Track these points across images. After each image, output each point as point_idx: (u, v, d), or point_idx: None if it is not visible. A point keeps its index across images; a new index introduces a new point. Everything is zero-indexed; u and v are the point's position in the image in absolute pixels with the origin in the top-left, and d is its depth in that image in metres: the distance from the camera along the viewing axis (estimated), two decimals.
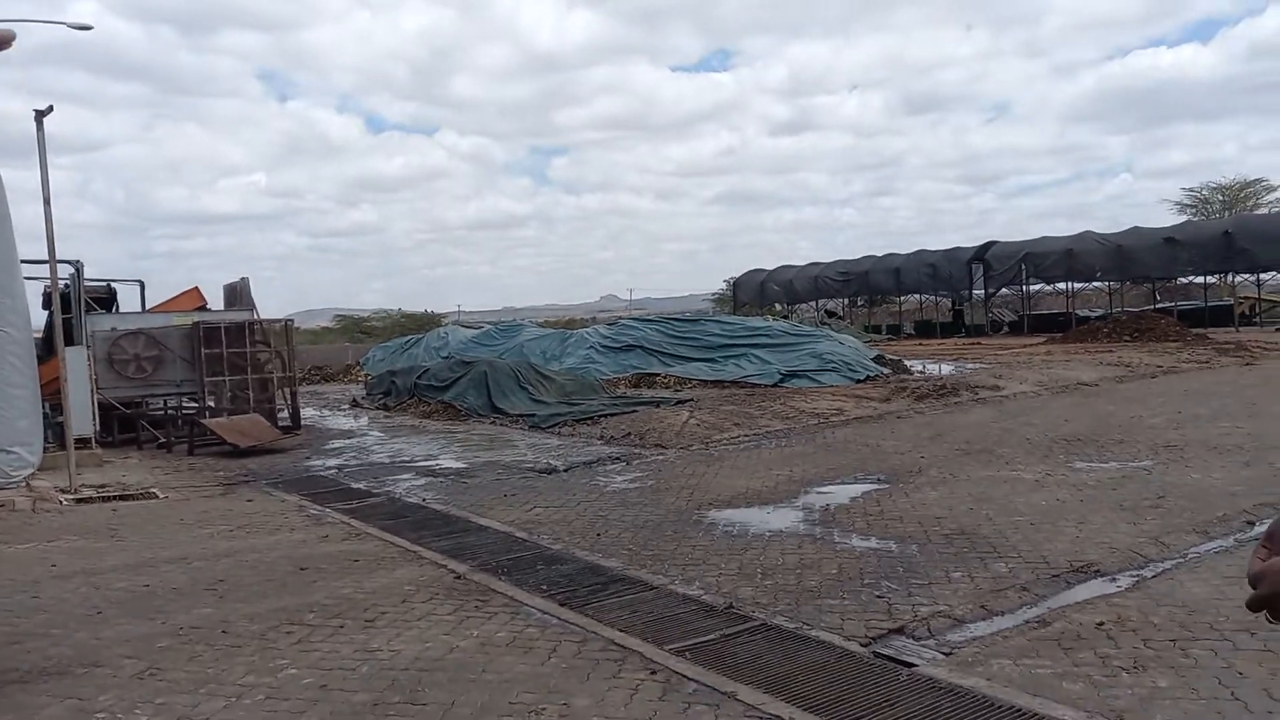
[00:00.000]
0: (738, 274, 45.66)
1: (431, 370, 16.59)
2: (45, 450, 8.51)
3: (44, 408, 8.99)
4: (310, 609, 4.56)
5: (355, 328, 48.28)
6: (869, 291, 39.93)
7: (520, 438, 11.67)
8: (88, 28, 14.42)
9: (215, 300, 15.15)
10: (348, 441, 12.15)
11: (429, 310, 50.21)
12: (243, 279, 14.63)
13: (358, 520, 6.74)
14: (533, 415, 12.96)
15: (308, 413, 14.95)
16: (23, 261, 8.64)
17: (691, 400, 13.44)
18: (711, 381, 16.07)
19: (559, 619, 4.28)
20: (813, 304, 40.50)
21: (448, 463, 9.76)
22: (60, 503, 7.42)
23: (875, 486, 7.08)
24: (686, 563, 5.15)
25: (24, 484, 7.79)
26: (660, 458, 9.13)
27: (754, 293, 42.00)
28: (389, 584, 5.00)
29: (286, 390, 13.64)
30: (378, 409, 16.48)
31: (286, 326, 14.24)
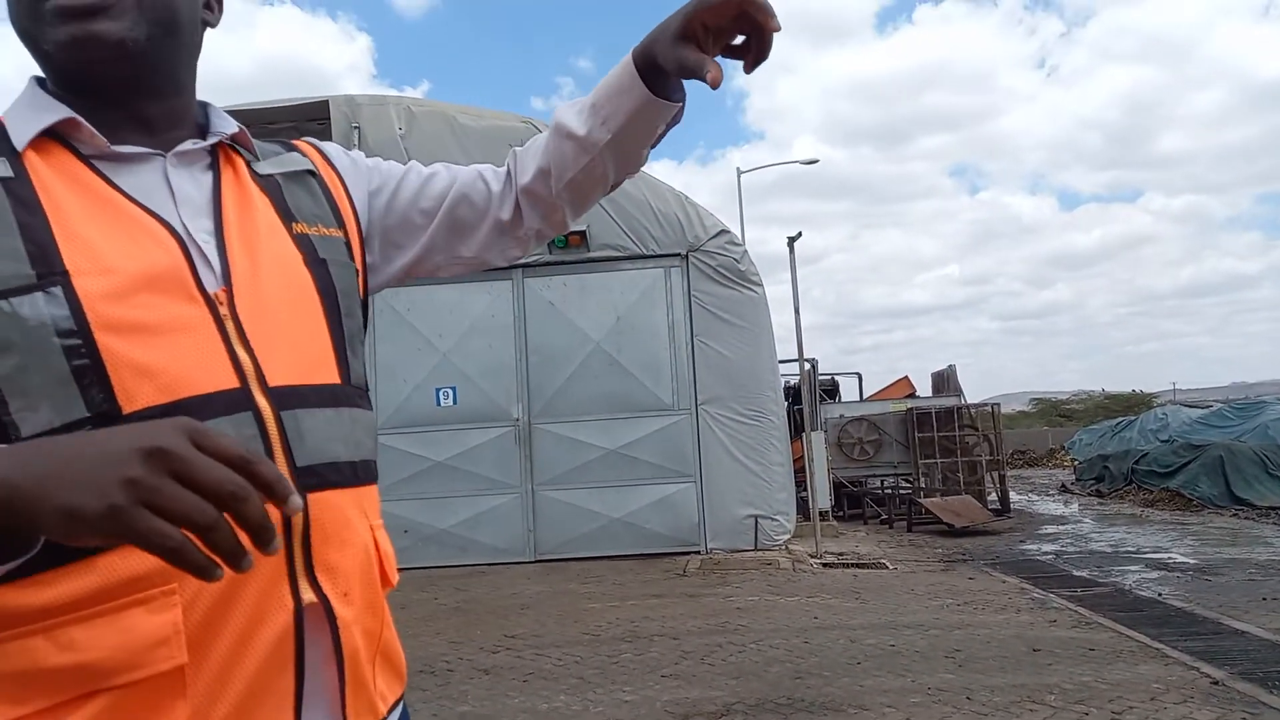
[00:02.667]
0: None
1: (1151, 455, 15.15)
2: (795, 521, 9.99)
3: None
4: (1049, 690, 4.56)
5: (1053, 410, 46.43)
6: None
7: (1273, 534, 9.95)
8: (814, 161, 16.97)
9: (921, 387, 16.18)
10: (1061, 528, 11.74)
11: (1136, 390, 45.86)
12: (950, 366, 15.38)
13: (1085, 609, 6.50)
14: None
15: (1015, 497, 14.86)
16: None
17: None
18: None
19: None
20: None
21: (1181, 557, 8.80)
22: (812, 566, 8.63)
23: None
24: None
25: (783, 547, 9.26)
26: None
27: None
28: (1132, 678, 4.73)
29: (994, 473, 13.78)
30: (1089, 495, 15.60)
31: (994, 410, 14.47)
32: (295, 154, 1.03)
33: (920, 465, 13.71)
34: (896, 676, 4.91)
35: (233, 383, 0.81)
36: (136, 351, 0.77)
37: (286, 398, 0.84)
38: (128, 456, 0.60)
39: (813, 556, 9.01)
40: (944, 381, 15.43)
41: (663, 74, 0.97)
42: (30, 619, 0.74)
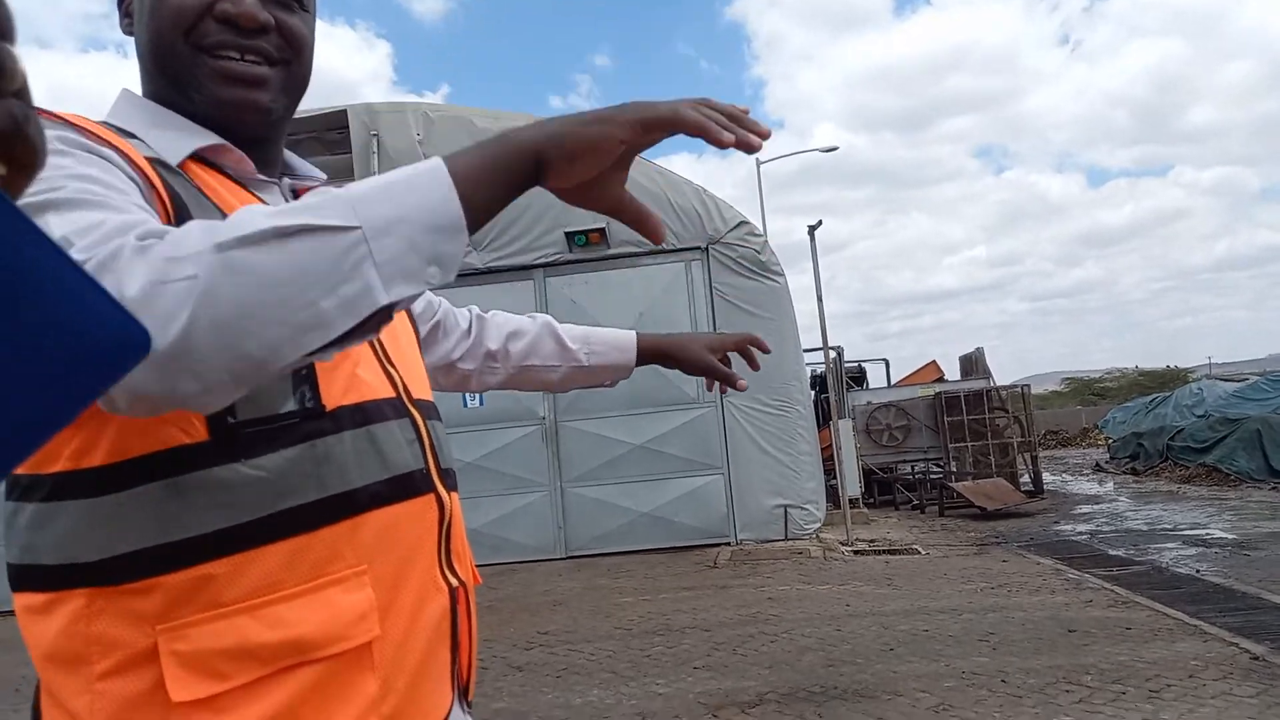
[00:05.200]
0: None
1: (1186, 430, 14.93)
2: (825, 509, 9.95)
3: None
4: (1086, 670, 4.52)
5: (1086, 389, 45.86)
6: None
7: None
8: (834, 149, 16.87)
9: (949, 371, 16.04)
10: (1096, 507, 11.61)
11: (1171, 365, 45.22)
12: (978, 349, 15.23)
13: (1122, 588, 6.43)
14: None
15: (1048, 477, 14.71)
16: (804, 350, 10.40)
17: None
18: None
19: None
20: None
21: (1219, 533, 8.67)
22: (843, 553, 8.60)
23: None
24: None
25: (814, 536, 9.24)
26: None
27: None
28: (1170, 656, 4.68)
29: (1026, 455, 13.66)
30: (1124, 473, 15.41)
31: (1023, 392, 14.33)
32: None
33: (950, 449, 13.60)
34: (930, 661, 4.89)
35: (391, 393, 0.93)
36: (334, 361, 0.85)
37: (424, 409, 0.97)
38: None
39: (844, 544, 8.98)
40: (972, 364, 15.29)
41: (660, 360, 1.39)
42: (235, 600, 0.80)
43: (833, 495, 10.54)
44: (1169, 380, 36.49)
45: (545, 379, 1.38)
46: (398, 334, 1.01)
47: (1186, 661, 4.55)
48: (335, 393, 0.86)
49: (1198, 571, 6.87)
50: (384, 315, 0.66)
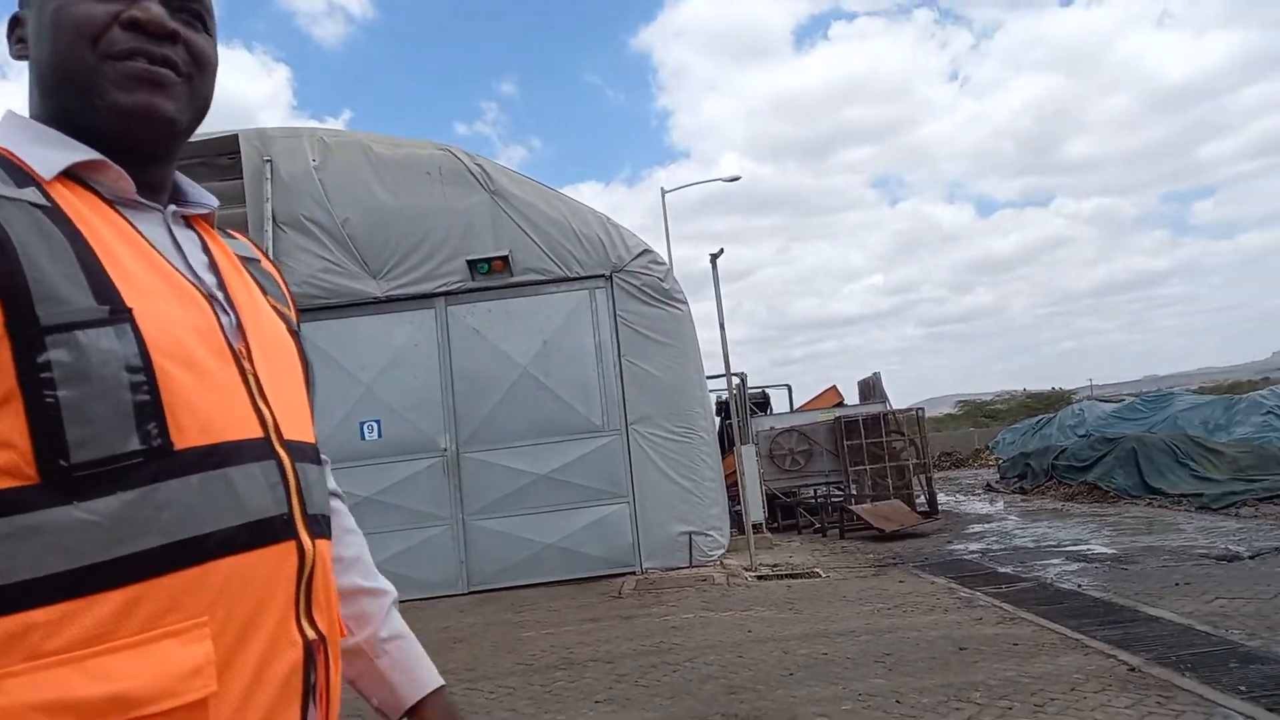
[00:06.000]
0: None
1: (1069, 450, 15.66)
2: (730, 535, 10.04)
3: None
4: (975, 688, 4.66)
5: (979, 412, 47.62)
6: None
7: (1185, 520, 10.37)
8: (736, 178, 17.22)
9: (849, 396, 16.45)
10: (987, 525, 12.04)
11: (1056, 388, 47.38)
12: (875, 374, 15.68)
13: (1009, 604, 6.67)
14: (1199, 495, 11.42)
15: (942, 498, 15.19)
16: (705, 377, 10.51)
17: None
18: None
19: None
20: None
21: (1100, 548, 9.09)
22: (746, 579, 8.68)
23: None
24: None
25: (718, 562, 9.30)
26: None
27: None
28: (1053, 670, 4.87)
29: (922, 476, 14.08)
30: (1013, 492, 16.03)
31: (918, 416, 14.80)
32: (242, 242, 1.10)
33: (850, 472, 13.92)
34: (829, 685, 4.97)
35: (258, 433, 0.87)
36: (189, 395, 0.82)
37: (295, 451, 0.91)
38: None
39: (747, 569, 9.07)
40: (870, 389, 15.72)
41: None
42: (58, 650, 0.75)
43: (737, 521, 10.64)
44: (1055, 402, 38.25)
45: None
46: (278, 370, 0.95)
47: (1069, 675, 4.74)
48: (189, 432, 0.81)
49: (1079, 586, 7.18)
50: None
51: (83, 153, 0.88)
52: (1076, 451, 15.24)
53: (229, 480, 0.83)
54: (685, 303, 9.75)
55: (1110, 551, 8.82)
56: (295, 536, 0.89)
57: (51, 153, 0.87)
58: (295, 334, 1.05)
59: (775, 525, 13.51)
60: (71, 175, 0.87)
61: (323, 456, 1.03)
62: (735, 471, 11.03)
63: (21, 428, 0.76)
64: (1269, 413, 16.03)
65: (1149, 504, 12.12)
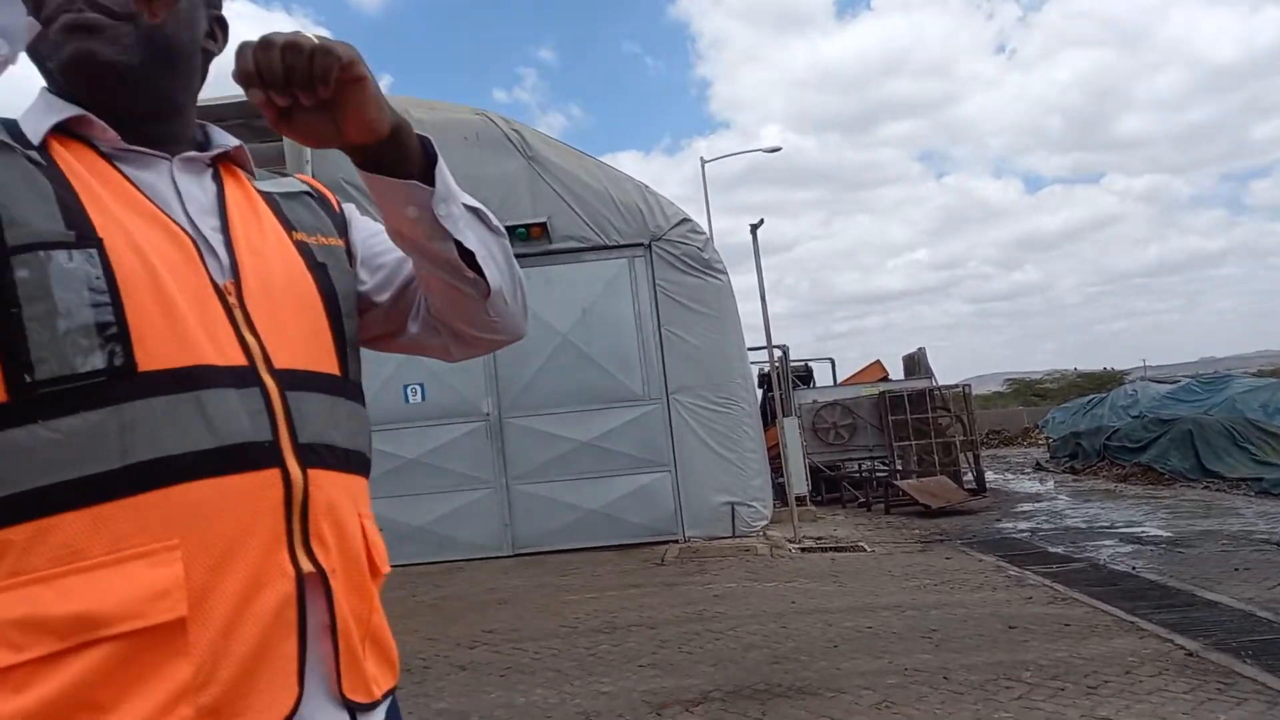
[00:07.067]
0: None
1: (1122, 431, 15.31)
2: (773, 507, 9.98)
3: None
4: (1025, 667, 4.56)
5: (1028, 390, 46.89)
6: None
7: (1244, 504, 10.09)
8: (777, 149, 16.95)
9: (894, 371, 16.25)
10: (1036, 505, 11.83)
11: (1108, 367, 46.44)
12: (920, 349, 15.44)
13: (1061, 584, 6.53)
14: (1259, 479, 11.09)
15: (990, 476, 14.97)
16: (747, 349, 10.41)
17: None
18: None
19: None
20: None
21: (1155, 530, 8.88)
22: (790, 550, 8.62)
23: None
24: None
25: (761, 533, 9.25)
26: None
27: None
28: (1107, 653, 4.74)
29: (969, 454, 13.87)
30: (1064, 472, 15.76)
31: (964, 392, 14.55)
32: (291, 179, 1.12)
33: (895, 448, 13.76)
34: (873, 658, 4.90)
35: (240, 360, 0.87)
36: (157, 320, 0.83)
37: (291, 379, 0.90)
38: None
39: (790, 541, 9.00)
40: (915, 364, 15.50)
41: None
42: (35, 568, 0.78)
43: (780, 493, 10.59)
44: (1106, 382, 37.45)
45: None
46: (280, 302, 0.94)
47: (1123, 658, 4.61)
48: (157, 355, 0.83)
49: (1134, 568, 7.01)
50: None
51: (64, 112, 0.92)
52: (1130, 432, 14.90)
53: (200, 403, 0.84)
54: (725, 273, 9.62)
55: (1166, 534, 8.61)
56: (279, 464, 0.87)
57: (45, 117, 0.91)
58: (321, 266, 1.02)
59: (819, 499, 13.42)
60: (69, 132, 0.92)
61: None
62: (777, 444, 10.94)
63: None
64: None
65: (1206, 487, 11.82)
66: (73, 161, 0.89)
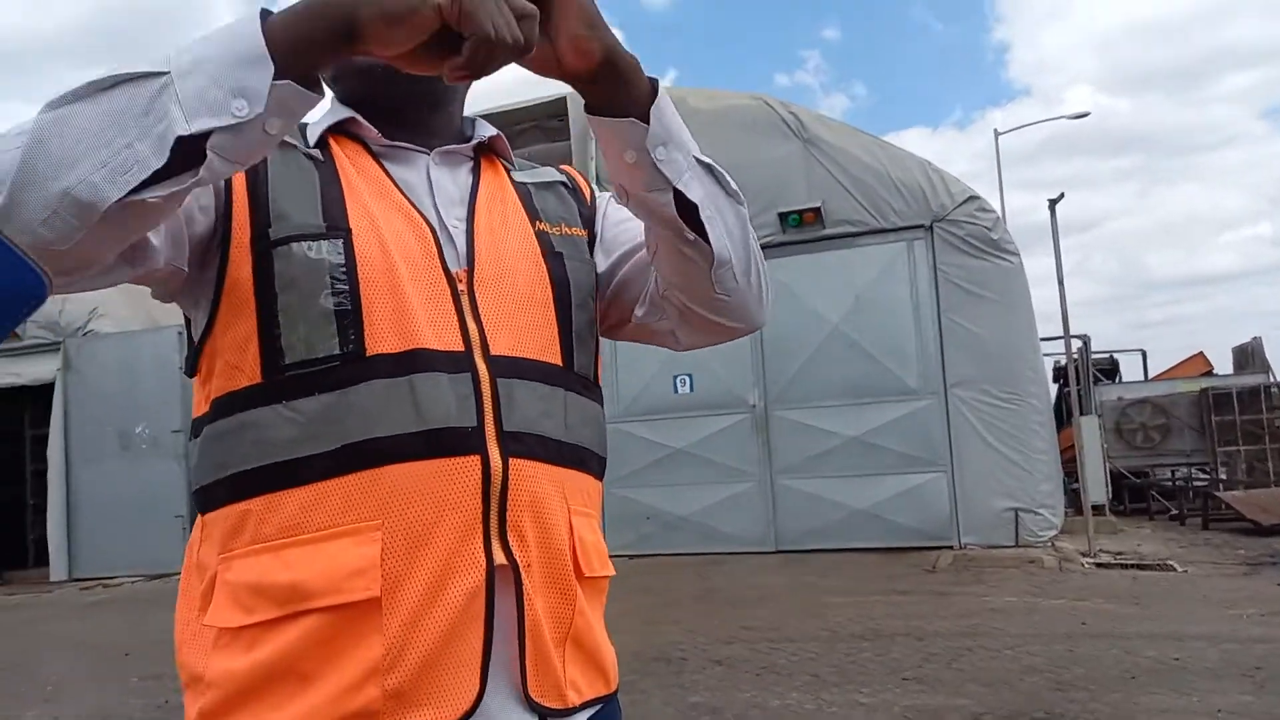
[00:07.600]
0: None
1: None
2: (1064, 515, 9.11)
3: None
4: None
5: None
6: None
7: None
8: (1084, 115, 15.41)
9: (1220, 364, 14.29)
10: None
11: None
12: (1255, 339, 13.48)
13: None
14: None
15: None
16: (1040, 339, 9.57)
17: None
18: None
19: None
20: None
21: None
22: (1082, 565, 7.82)
23: None
24: None
25: (1049, 544, 8.47)
26: None
27: None
28: None
29: None
30: None
31: None
32: (550, 169, 1.14)
33: (1219, 453, 12.09)
34: (1179, 695, 4.29)
35: (458, 346, 0.89)
36: (388, 306, 0.87)
37: (505, 367, 0.91)
38: None
39: (1084, 555, 8.17)
40: (1247, 357, 13.53)
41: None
42: (268, 537, 0.84)
43: (1074, 500, 9.70)
44: None
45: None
46: (509, 291, 0.96)
47: None
48: (383, 339, 0.87)
49: None
50: (193, 148, 0.68)
51: (337, 114, 0.99)
52: None
53: (412, 387, 0.86)
54: (1017, 254, 8.87)
55: None
56: (481, 451, 0.87)
57: (325, 118, 0.99)
58: (558, 255, 1.02)
59: (1120, 509, 12.12)
60: (347, 133, 0.99)
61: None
62: (1072, 446, 9.98)
63: (253, 331, 0.87)
64: None
65: None
66: (344, 158, 0.96)
